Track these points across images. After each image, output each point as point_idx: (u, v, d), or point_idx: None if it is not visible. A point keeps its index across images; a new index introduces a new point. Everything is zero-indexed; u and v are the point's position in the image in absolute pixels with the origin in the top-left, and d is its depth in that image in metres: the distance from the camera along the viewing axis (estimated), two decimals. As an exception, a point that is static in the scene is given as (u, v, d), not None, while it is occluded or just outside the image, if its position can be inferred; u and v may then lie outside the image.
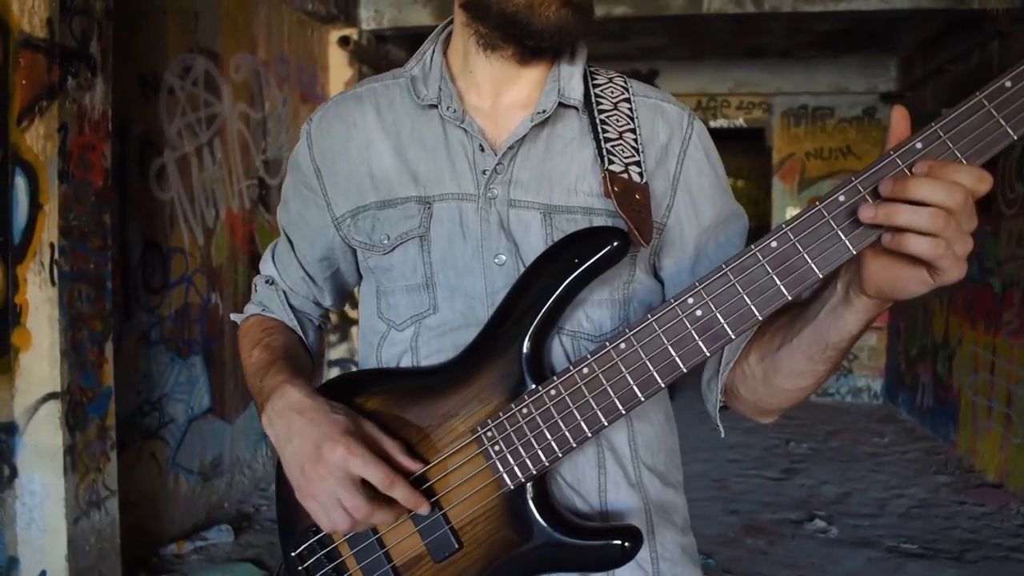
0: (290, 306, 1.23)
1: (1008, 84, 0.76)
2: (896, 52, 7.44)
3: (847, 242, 0.81)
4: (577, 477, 1.05)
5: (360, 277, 1.21)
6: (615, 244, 0.93)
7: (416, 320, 1.08)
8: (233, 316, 1.28)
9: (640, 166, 1.03)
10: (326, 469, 0.92)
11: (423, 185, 1.07)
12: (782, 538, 4.44)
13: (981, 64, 5.88)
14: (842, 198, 0.80)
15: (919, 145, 0.78)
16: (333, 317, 3.84)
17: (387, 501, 0.95)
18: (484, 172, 1.05)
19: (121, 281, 3.86)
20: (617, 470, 1.07)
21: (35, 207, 3.13)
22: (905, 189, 0.76)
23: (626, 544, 0.92)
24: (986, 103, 0.77)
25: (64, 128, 3.14)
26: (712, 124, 8.24)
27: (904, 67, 7.56)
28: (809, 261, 0.82)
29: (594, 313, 1.05)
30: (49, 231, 3.14)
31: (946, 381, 6.41)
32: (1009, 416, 5.25)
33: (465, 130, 1.06)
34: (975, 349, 5.84)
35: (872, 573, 4.00)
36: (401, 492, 0.93)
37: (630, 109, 1.08)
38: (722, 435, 1.08)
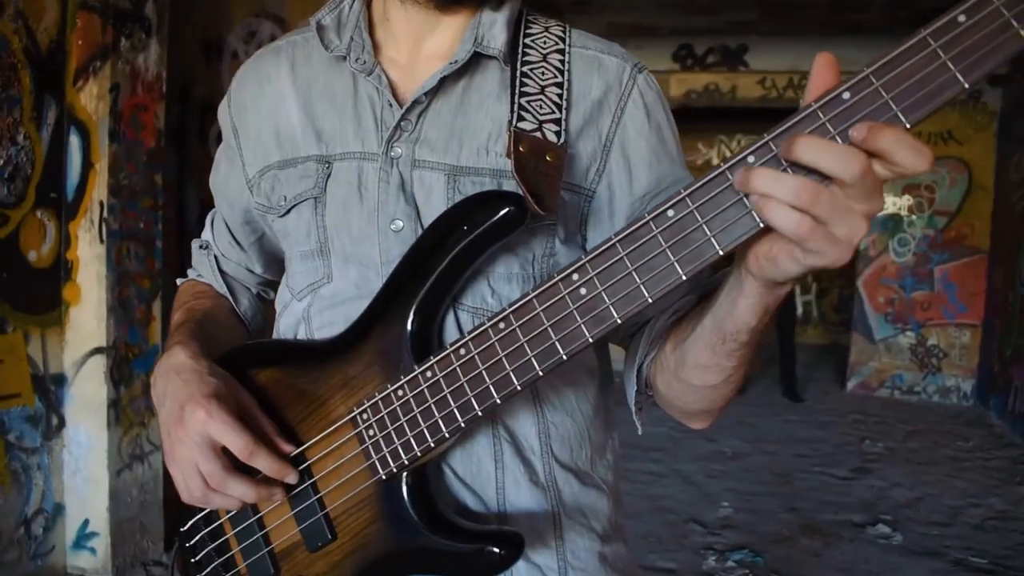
0: (221, 271, 1.18)
1: (961, 19, 0.62)
2: (1008, 30, 6.90)
3: (753, 213, 0.67)
4: (471, 471, 0.95)
5: None
6: (508, 211, 0.83)
7: (312, 289, 1.01)
8: (178, 280, 1.24)
9: (559, 124, 0.92)
10: (185, 432, 0.87)
11: (325, 143, 0.98)
12: (840, 540, 4.22)
13: None
14: (751, 159, 0.67)
15: (846, 95, 0.64)
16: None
17: (252, 474, 0.89)
18: (389, 129, 0.96)
19: (177, 241, 3.93)
20: (518, 465, 0.96)
21: (87, 166, 3.20)
22: (792, 150, 0.63)
23: (502, 552, 0.82)
24: (931, 41, 0.62)
25: (116, 88, 3.19)
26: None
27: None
28: (708, 234, 0.69)
29: (502, 288, 0.95)
30: (99, 189, 3.21)
31: (1042, 386, 5.97)
32: (1106, 428, 4.84)
33: (374, 84, 0.97)
34: (1074, 353, 5.41)
35: (933, 586, 3.75)
36: (263, 462, 0.87)
37: (561, 61, 0.96)
38: (639, 432, 0.96)
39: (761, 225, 0.67)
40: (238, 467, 0.88)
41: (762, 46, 7.57)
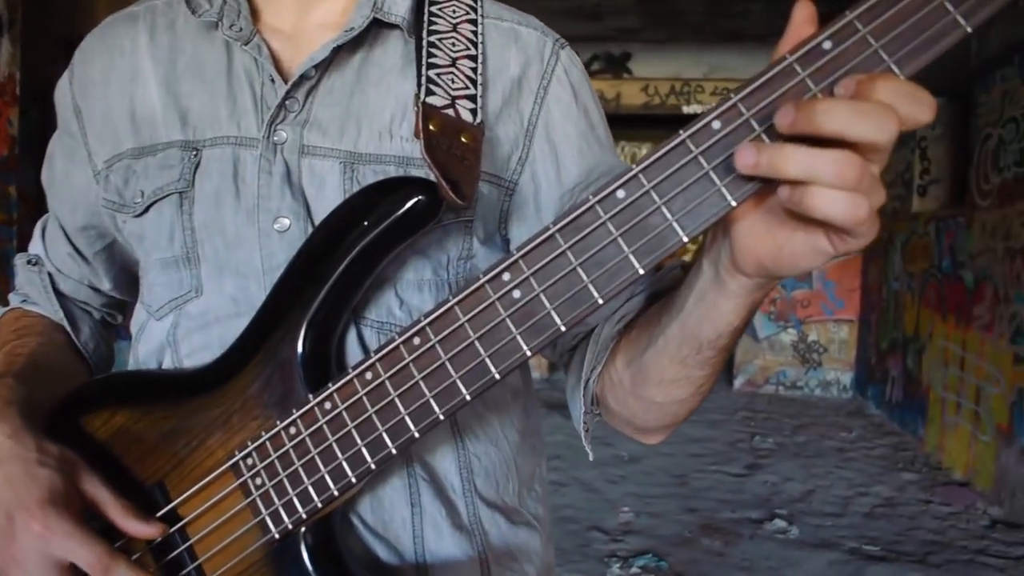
0: (56, 293, 0.97)
1: (827, 46, 0.54)
2: (874, 39, 7.24)
3: (723, 189, 0.56)
4: (382, 519, 0.81)
5: None
6: (418, 201, 0.69)
7: (176, 306, 0.83)
8: None
9: (475, 101, 0.80)
10: (20, 551, 0.70)
11: (193, 126, 0.83)
12: (740, 539, 4.25)
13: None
14: (717, 124, 0.56)
15: (827, 44, 0.54)
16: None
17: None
18: (271, 109, 0.81)
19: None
20: (438, 508, 0.83)
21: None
22: (813, 118, 0.51)
23: None
24: None
25: (-41, 91, 2.88)
26: (686, 109, 8.03)
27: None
28: (669, 218, 0.58)
29: (411, 298, 0.81)
30: (-58, 203, 2.89)
31: (915, 376, 6.25)
32: (978, 413, 5.09)
33: (252, 56, 0.82)
34: (945, 344, 5.68)
35: (831, 577, 3.82)
36: (126, 573, 0.71)
37: (474, 32, 0.84)
38: (590, 458, 0.83)
39: (734, 203, 0.56)
40: None
41: (645, 53, 7.69)
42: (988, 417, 4.94)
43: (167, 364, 0.84)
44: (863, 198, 0.52)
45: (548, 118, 0.85)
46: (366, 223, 0.70)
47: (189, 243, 0.82)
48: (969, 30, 0.53)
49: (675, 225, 0.58)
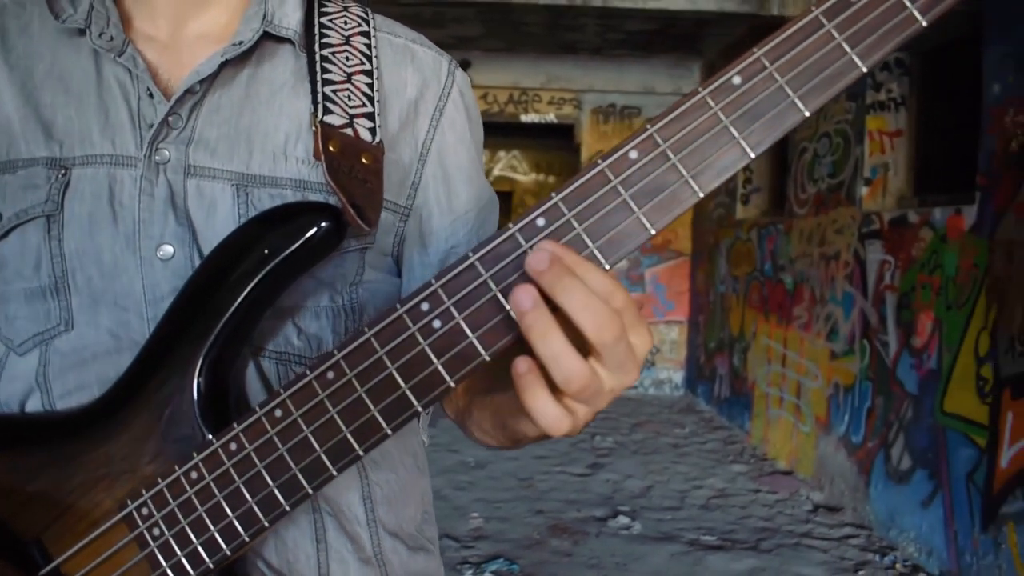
0: None
1: (632, 155, 0.58)
2: (701, 56, 7.66)
3: (642, 218, 0.58)
4: (287, 559, 0.76)
5: None
6: (322, 227, 0.66)
7: (41, 340, 0.74)
8: None
9: (373, 120, 0.77)
10: None
11: (58, 142, 0.75)
12: (587, 537, 4.36)
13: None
14: (634, 154, 0.58)
15: (737, 80, 0.56)
16: None
17: None
18: (151, 126, 0.74)
19: None
20: (343, 543, 0.79)
21: None
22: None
23: None
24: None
25: None
26: (524, 118, 8.20)
27: (707, 70, 7.80)
28: (590, 245, 0.59)
29: (310, 326, 0.77)
30: None
31: (741, 373, 6.65)
32: (798, 406, 5.48)
33: (126, 67, 0.75)
34: (768, 342, 6.08)
35: (674, 569, 3.98)
36: None
37: (367, 46, 0.81)
38: (425, 443, 0.86)
39: (653, 232, 0.58)
40: None
41: (486, 61, 7.76)
42: (808, 410, 5.33)
43: (35, 407, 0.75)
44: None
45: (442, 142, 0.84)
46: (267, 251, 0.65)
47: (58, 272, 0.73)
48: (865, 70, 0.56)
49: (596, 253, 0.58)
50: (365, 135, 0.75)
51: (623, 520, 4.59)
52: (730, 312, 7.03)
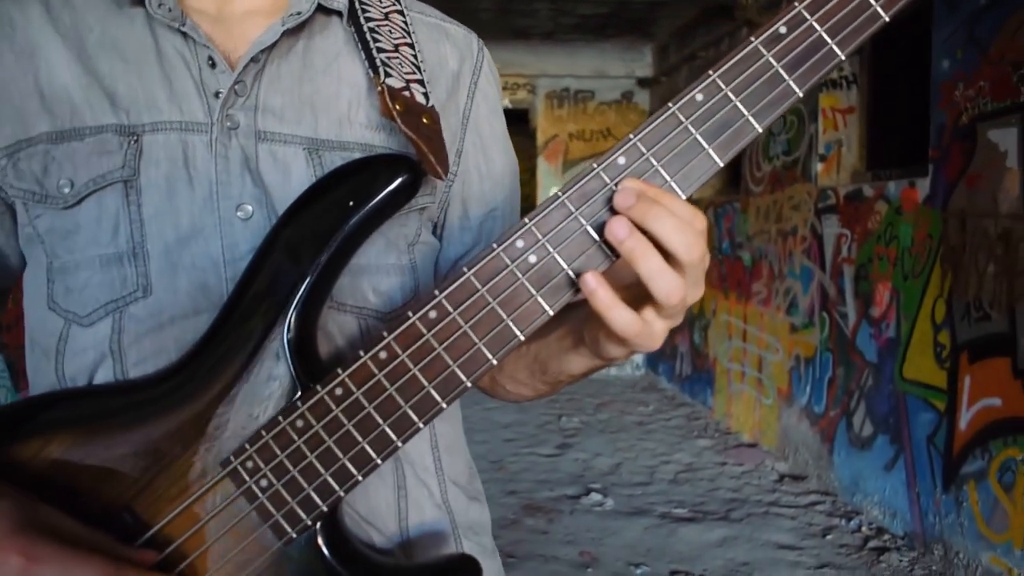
0: None
1: (699, 97, 0.65)
2: (652, 39, 7.73)
3: (711, 152, 0.64)
4: (371, 506, 0.80)
5: (23, 258, 0.81)
6: (405, 176, 0.68)
7: (116, 308, 0.75)
8: None
9: (424, 86, 0.80)
10: None
11: (124, 110, 0.75)
12: (561, 515, 4.43)
13: (731, 50, 6.22)
14: (700, 97, 0.65)
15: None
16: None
17: None
18: (218, 95, 0.76)
19: None
20: (421, 489, 0.84)
21: None
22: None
23: None
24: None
25: None
26: (479, 103, 8.20)
27: (659, 53, 7.89)
28: (668, 179, 0.65)
29: (381, 283, 0.80)
30: None
31: (703, 350, 6.78)
32: (760, 380, 5.61)
33: (186, 35, 0.77)
34: (728, 318, 6.21)
35: (648, 541, 4.07)
36: None
37: (405, 23, 0.84)
38: None
39: (721, 164, 0.64)
40: None
41: (439, 46, 7.73)
42: (770, 383, 5.46)
43: (106, 376, 0.75)
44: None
45: (478, 113, 0.88)
46: (351, 203, 0.67)
47: (137, 237, 0.74)
48: (800, 95, 0.64)
49: (673, 185, 0.64)
50: (420, 99, 0.78)
51: (595, 497, 4.67)
52: (689, 291, 7.13)
